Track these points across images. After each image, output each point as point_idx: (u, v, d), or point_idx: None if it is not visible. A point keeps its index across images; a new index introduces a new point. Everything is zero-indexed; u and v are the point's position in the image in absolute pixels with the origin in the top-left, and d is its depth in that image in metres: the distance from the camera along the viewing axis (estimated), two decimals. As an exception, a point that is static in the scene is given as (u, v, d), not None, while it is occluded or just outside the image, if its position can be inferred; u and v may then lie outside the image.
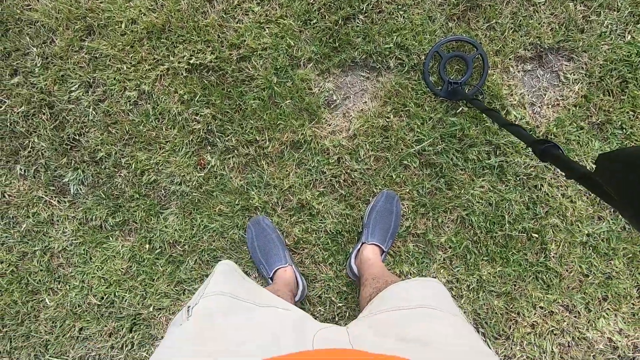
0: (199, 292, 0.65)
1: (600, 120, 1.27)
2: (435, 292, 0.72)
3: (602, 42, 1.26)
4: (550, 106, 1.30)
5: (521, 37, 1.27)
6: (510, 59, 1.28)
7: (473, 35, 1.26)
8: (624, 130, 1.27)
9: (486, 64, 1.25)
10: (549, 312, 1.30)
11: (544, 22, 1.26)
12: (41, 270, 1.30)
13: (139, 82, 1.28)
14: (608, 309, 1.30)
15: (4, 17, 1.28)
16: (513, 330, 1.31)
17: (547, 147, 0.61)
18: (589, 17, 1.26)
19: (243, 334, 0.55)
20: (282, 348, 0.54)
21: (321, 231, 1.30)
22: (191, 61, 1.27)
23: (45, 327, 1.30)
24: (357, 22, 1.27)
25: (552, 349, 1.30)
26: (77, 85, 1.29)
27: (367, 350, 0.48)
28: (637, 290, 1.30)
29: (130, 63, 1.28)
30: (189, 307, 0.60)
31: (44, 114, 1.30)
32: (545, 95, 1.29)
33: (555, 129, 1.27)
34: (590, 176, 0.46)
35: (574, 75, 1.28)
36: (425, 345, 0.54)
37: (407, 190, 1.29)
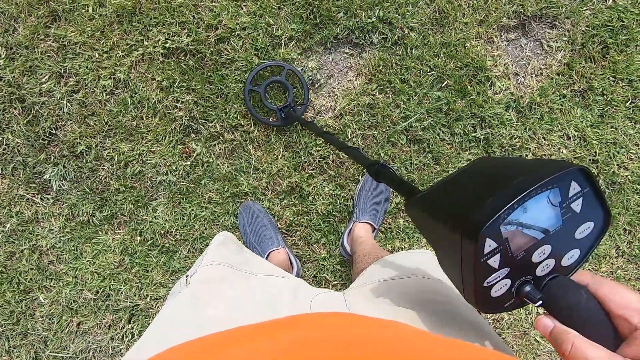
0: (197, 262, 0.67)
1: (582, 87, 1.28)
2: (424, 261, 0.75)
3: (585, 8, 1.25)
4: (534, 75, 1.30)
5: (504, 5, 1.25)
6: (494, 28, 1.27)
7: (456, 6, 1.23)
8: (605, 96, 1.29)
9: (301, 78, 1.23)
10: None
11: (527, -11, 1.24)
12: (32, 268, 1.29)
13: (113, 70, 1.22)
14: (588, 269, 1.36)
15: (-41, 5, 1.19)
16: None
17: (378, 167, 0.63)
18: (572, -18, 1.24)
19: (240, 300, 0.57)
20: (279, 312, 0.55)
21: (312, 213, 1.30)
22: (167, 45, 1.21)
23: (43, 324, 1.30)
24: (338, -4, 1.22)
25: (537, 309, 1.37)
26: (47, 77, 1.23)
27: (364, 315, 0.49)
28: (616, 250, 1.37)
29: (102, 50, 1.22)
30: (187, 276, 0.61)
31: (15, 108, 1.24)
32: (529, 64, 1.29)
33: (538, 99, 1.28)
34: (417, 196, 0.46)
35: (557, 42, 1.28)
36: (418, 312, 0.56)
37: (396, 167, 1.29)
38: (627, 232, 1.36)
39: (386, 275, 0.70)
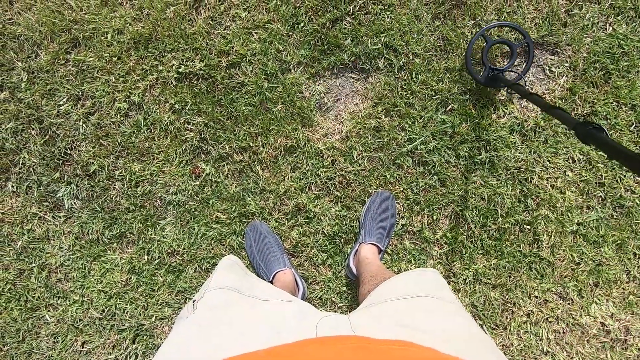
0: (203, 287, 0.68)
1: (586, 111, 1.30)
2: (432, 281, 0.74)
3: (585, 35, 1.29)
4: (537, 100, 1.32)
5: (506, 33, 1.29)
6: (496, 55, 1.30)
7: (459, 34, 1.27)
8: (609, 120, 1.30)
9: (532, 52, 1.24)
10: (543, 300, 1.34)
11: (527, 17, 1.28)
12: (40, 286, 1.30)
13: (128, 93, 1.27)
14: (600, 294, 1.34)
15: (-14, 33, 1.26)
16: (510, 320, 1.34)
17: (590, 129, 0.61)
18: (572, 11, 1.28)
19: (246, 326, 0.57)
20: (284, 338, 0.55)
21: (319, 233, 1.31)
22: (180, 70, 1.26)
23: (47, 343, 1.30)
24: (345, 24, 1.27)
25: (548, 336, 1.34)
26: (65, 99, 1.28)
27: (369, 337, 0.49)
28: (627, 275, 1.35)
29: (119, 74, 1.27)
30: (194, 301, 0.63)
31: (33, 129, 1.28)
32: (532, 89, 1.32)
33: (542, 122, 1.30)
34: (636, 157, 0.46)
35: (559, 68, 1.31)
36: (425, 332, 0.56)
37: (402, 189, 1.31)
38: (637, 256, 1.34)
39: (393, 295, 0.70)
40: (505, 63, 1.30)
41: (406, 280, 0.76)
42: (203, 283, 1.31)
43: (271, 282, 1.25)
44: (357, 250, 1.26)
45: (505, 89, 1.26)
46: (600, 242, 1.33)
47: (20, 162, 1.29)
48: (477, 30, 1.28)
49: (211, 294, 0.63)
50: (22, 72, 1.27)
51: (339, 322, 0.61)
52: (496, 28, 1.27)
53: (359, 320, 0.62)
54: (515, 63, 1.29)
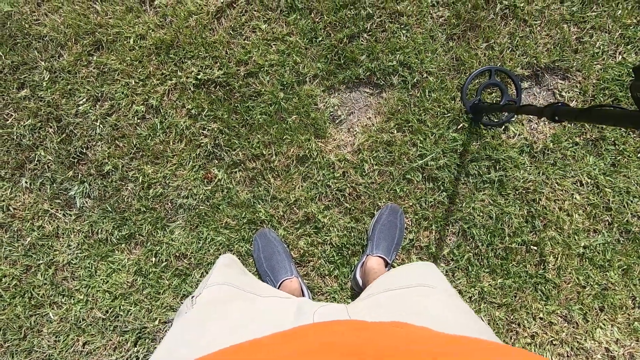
0: (202, 283, 0.69)
1: (594, 136, 1.32)
2: (429, 273, 0.76)
3: (595, 62, 1.32)
4: (547, 122, 1.35)
5: (518, 56, 1.32)
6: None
7: (472, 55, 1.31)
8: (617, 146, 1.32)
9: (519, 90, 1.30)
10: (548, 322, 1.34)
11: (540, 43, 1.32)
12: (45, 283, 1.30)
13: (147, 97, 1.30)
14: (605, 319, 1.33)
15: (13, 31, 1.29)
16: (514, 341, 1.34)
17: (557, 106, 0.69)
18: (582, 39, 1.32)
19: (245, 320, 0.57)
20: (284, 329, 0.55)
21: (326, 244, 1.32)
22: (199, 76, 1.29)
23: (49, 341, 1.29)
24: (362, 41, 1.31)
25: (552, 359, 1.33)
26: (84, 99, 1.30)
27: (364, 320, 0.50)
28: (632, 301, 1.34)
29: (139, 78, 1.30)
30: (192, 296, 0.63)
31: (50, 127, 1.30)
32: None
33: (551, 145, 1.32)
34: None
35: (569, 93, 1.34)
36: (419, 315, 0.57)
37: (411, 203, 1.32)
38: (643, 282, 1.34)
39: (391, 286, 0.71)
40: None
41: (403, 272, 0.77)
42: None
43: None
44: (363, 262, 1.27)
45: (485, 115, 1.32)
46: (606, 266, 1.33)
47: (36, 159, 1.30)
48: (490, 52, 1.31)
49: (210, 290, 0.64)
50: (45, 71, 1.30)
51: (336, 310, 0.62)
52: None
53: (356, 309, 0.63)
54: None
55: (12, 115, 1.30)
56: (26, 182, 1.30)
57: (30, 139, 1.30)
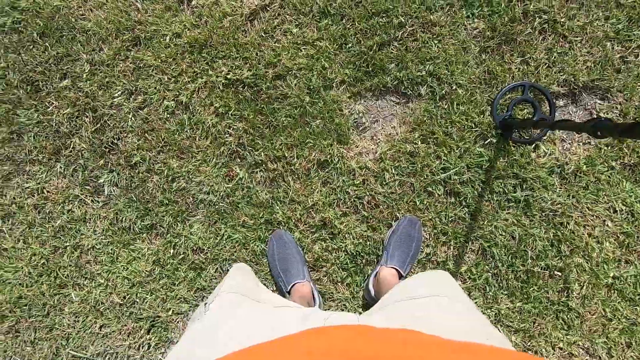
0: (215, 291, 0.71)
1: (633, 161, 1.25)
2: (443, 282, 0.74)
3: (639, 84, 1.25)
4: (581, 143, 1.29)
5: (555, 73, 1.27)
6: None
7: (505, 69, 1.27)
8: (658, 173, 1.25)
9: (553, 108, 1.25)
10: (568, 353, 1.27)
11: (579, 60, 1.26)
12: (70, 265, 1.36)
13: (178, 93, 1.34)
14: (632, 356, 1.25)
15: (60, 24, 1.37)
16: (529, 368, 1.28)
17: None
18: (627, 58, 1.25)
19: (254, 327, 0.58)
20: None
21: (341, 251, 1.31)
22: (229, 76, 1.32)
23: (69, 320, 1.35)
24: (392, 49, 1.30)
25: (570, 393, 1.26)
26: (120, 92, 1.36)
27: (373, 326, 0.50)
28: (664, 339, 1.26)
29: (172, 74, 1.34)
30: (206, 303, 0.65)
31: (87, 117, 1.37)
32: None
33: (585, 167, 1.26)
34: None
35: (608, 114, 1.27)
36: (431, 324, 0.56)
37: (430, 217, 1.29)
38: (677, 321, 1.25)
39: (404, 296, 0.70)
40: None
41: (416, 282, 0.76)
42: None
43: (289, 293, 1.25)
44: (377, 273, 1.25)
45: (515, 131, 1.26)
46: (636, 300, 1.25)
47: (71, 146, 1.37)
48: (525, 67, 1.27)
49: (223, 297, 0.66)
50: (86, 63, 1.36)
51: (347, 318, 0.62)
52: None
53: (368, 319, 0.63)
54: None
55: (53, 103, 1.37)
56: (60, 168, 1.37)
57: (67, 126, 1.37)
